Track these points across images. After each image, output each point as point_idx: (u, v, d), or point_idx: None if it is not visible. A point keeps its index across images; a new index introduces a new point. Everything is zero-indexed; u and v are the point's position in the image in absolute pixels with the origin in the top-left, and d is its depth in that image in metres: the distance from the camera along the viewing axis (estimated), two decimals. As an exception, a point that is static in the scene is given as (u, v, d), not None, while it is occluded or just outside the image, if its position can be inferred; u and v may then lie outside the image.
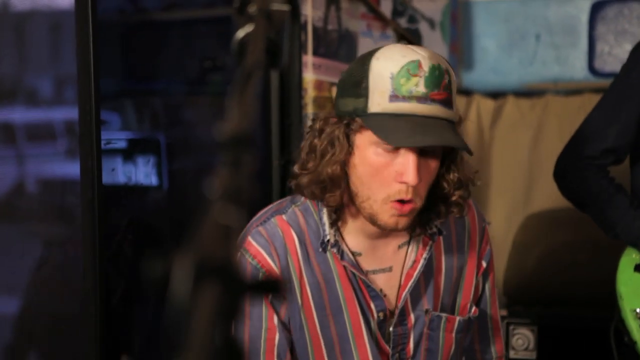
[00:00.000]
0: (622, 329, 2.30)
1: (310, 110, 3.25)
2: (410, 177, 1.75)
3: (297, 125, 3.20)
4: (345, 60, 3.47)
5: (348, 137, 1.80)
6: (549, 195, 3.60)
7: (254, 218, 1.96)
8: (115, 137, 2.77)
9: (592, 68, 4.04)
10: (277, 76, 3.17)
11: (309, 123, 1.95)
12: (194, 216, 0.92)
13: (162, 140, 2.95)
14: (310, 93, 3.25)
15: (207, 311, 0.91)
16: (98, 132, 2.37)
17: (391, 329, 1.95)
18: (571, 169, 2.49)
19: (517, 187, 3.55)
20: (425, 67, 1.74)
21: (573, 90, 3.92)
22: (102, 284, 2.29)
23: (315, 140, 1.85)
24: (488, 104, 3.85)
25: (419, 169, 1.76)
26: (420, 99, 1.73)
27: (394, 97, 1.74)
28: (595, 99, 3.72)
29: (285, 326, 1.91)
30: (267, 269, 1.87)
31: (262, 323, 1.89)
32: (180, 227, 2.69)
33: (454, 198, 1.88)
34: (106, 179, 2.47)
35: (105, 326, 2.29)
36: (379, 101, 1.75)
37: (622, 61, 4.00)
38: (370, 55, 1.79)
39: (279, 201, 2.02)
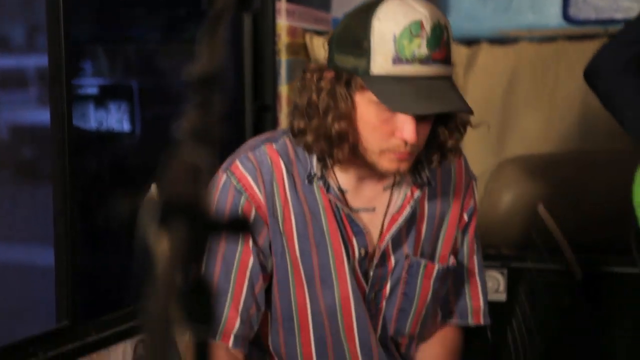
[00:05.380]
0: (638, 239, 2.38)
1: (283, 57, 3.23)
2: (411, 136, 1.77)
3: (270, 71, 3.19)
4: (319, 8, 3.45)
5: (349, 93, 1.80)
6: (521, 141, 3.63)
7: (245, 144, 1.97)
8: (87, 83, 2.76)
9: (566, 15, 4.04)
10: (249, 22, 3.15)
11: (294, 74, 1.95)
12: (165, 159, 0.92)
13: (135, 86, 2.94)
14: (283, 39, 3.24)
15: (174, 250, 0.91)
16: (68, 79, 2.35)
17: (372, 270, 1.96)
18: (611, 66, 2.51)
19: (490, 133, 3.56)
20: (427, 26, 1.75)
21: (547, 38, 3.92)
22: (74, 230, 2.30)
23: (314, 97, 1.84)
24: (462, 51, 3.85)
25: (418, 125, 1.78)
26: (423, 60, 1.74)
27: (398, 60, 1.74)
28: (569, 46, 3.72)
29: (261, 251, 1.92)
30: (250, 194, 1.89)
31: (238, 245, 1.90)
32: (152, 173, 2.68)
33: (449, 144, 1.90)
34: (77, 125, 2.46)
35: (77, 272, 2.30)
36: (382, 63, 1.75)
37: (597, 9, 4.01)
38: (370, 12, 1.77)
39: (271, 131, 2.04)
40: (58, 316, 2.25)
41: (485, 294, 2.17)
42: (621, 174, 2.56)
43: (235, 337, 1.89)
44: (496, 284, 2.80)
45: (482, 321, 2.14)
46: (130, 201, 0.91)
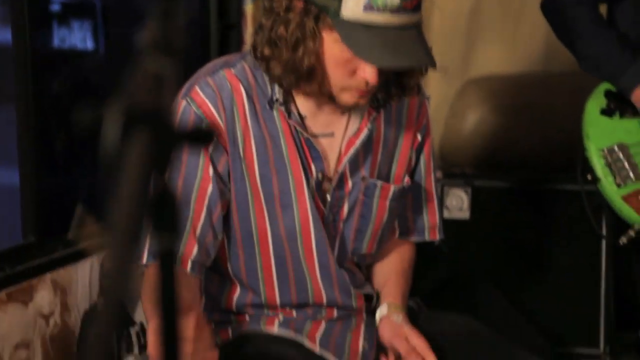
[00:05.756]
0: (586, 168, 2.46)
1: (249, -26, 3.21)
2: (373, 79, 1.81)
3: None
4: None
5: (317, 29, 1.81)
6: (487, 62, 3.63)
7: (202, 70, 1.97)
8: (49, 0, 2.72)
9: None
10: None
11: None
12: (128, 72, 0.92)
13: (98, 4, 2.91)
14: (248, -44, 3.21)
15: (139, 159, 0.92)
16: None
17: (329, 193, 1.99)
18: None
19: (456, 54, 3.57)
20: None
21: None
22: (38, 148, 2.29)
23: (282, 28, 1.84)
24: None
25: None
26: (394, 10, 1.76)
27: (369, 8, 1.76)
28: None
29: (221, 178, 1.94)
30: (211, 120, 1.90)
31: (197, 172, 1.92)
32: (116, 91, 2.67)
33: (411, 83, 1.93)
34: (40, 43, 2.43)
35: (43, 189, 2.30)
36: (353, 8, 1.77)
37: None
38: None
39: (227, 55, 2.05)
40: (24, 233, 2.26)
41: (440, 210, 2.21)
42: (585, 97, 2.59)
43: (193, 263, 1.91)
44: (460, 202, 2.84)
45: (437, 236, 2.19)
46: (94, 112, 0.92)
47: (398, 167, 2.08)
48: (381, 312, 2.05)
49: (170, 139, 0.95)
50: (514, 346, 2.09)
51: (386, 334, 2.01)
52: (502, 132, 3.12)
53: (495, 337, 2.10)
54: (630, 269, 2.87)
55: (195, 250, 1.91)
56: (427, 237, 2.18)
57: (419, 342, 1.94)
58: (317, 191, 1.98)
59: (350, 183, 2.00)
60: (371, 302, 2.13)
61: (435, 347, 1.95)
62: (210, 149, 1.91)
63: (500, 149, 3.04)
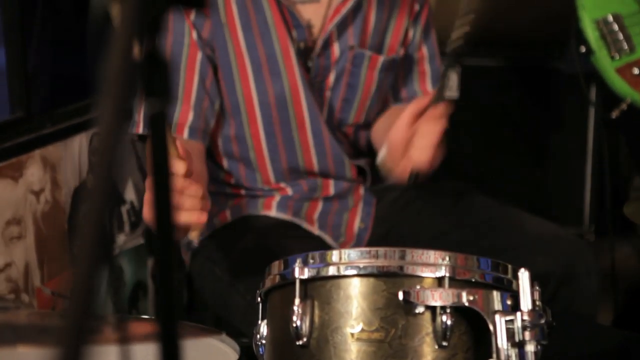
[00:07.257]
0: (580, 39, 2.45)
1: None
2: None
3: None
4: None
5: None
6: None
7: None
8: None
9: None
10: None
11: None
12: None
13: None
14: None
15: (128, 21, 0.91)
16: None
17: (312, 61, 1.98)
18: None
19: None
20: None
21: None
22: (26, 23, 2.25)
23: None
24: None
25: None
26: None
27: None
28: None
29: (207, 44, 1.93)
30: None
31: (184, 39, 1.91)
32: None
33: None
34: None
35: (31, 65, 2.27)
36: None
37: None
38: None
39: None
40: (12, 108, 2.24)
41: (435, 81, 2.19)
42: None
43: (191, 129, 1.91)
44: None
45: None
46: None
47: (392, 38, 2.06)
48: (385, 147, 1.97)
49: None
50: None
51: (391, 140, 1.93)
52: (493, 9, 3.08)
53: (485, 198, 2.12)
54: (617, 148, 2.90)
55: (190, 116, 1.91)
56: None
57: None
58: (301, 59, 1.97)
59: (337, 51, 1.99)
60: (365, 176, 2.14)
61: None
62: (192, 16, 1.90)
63: (491, 26, 3.00)
